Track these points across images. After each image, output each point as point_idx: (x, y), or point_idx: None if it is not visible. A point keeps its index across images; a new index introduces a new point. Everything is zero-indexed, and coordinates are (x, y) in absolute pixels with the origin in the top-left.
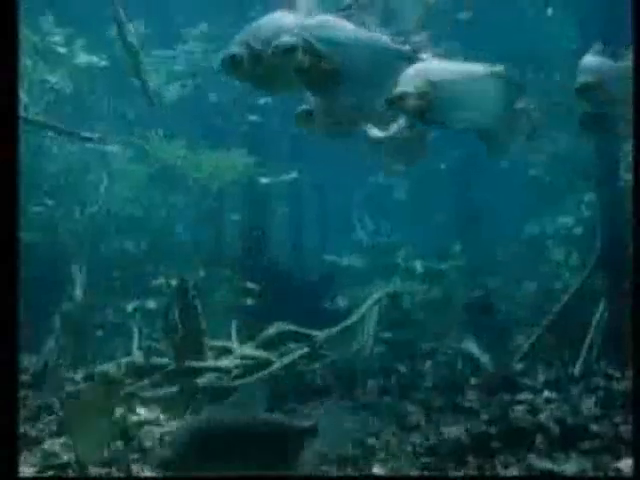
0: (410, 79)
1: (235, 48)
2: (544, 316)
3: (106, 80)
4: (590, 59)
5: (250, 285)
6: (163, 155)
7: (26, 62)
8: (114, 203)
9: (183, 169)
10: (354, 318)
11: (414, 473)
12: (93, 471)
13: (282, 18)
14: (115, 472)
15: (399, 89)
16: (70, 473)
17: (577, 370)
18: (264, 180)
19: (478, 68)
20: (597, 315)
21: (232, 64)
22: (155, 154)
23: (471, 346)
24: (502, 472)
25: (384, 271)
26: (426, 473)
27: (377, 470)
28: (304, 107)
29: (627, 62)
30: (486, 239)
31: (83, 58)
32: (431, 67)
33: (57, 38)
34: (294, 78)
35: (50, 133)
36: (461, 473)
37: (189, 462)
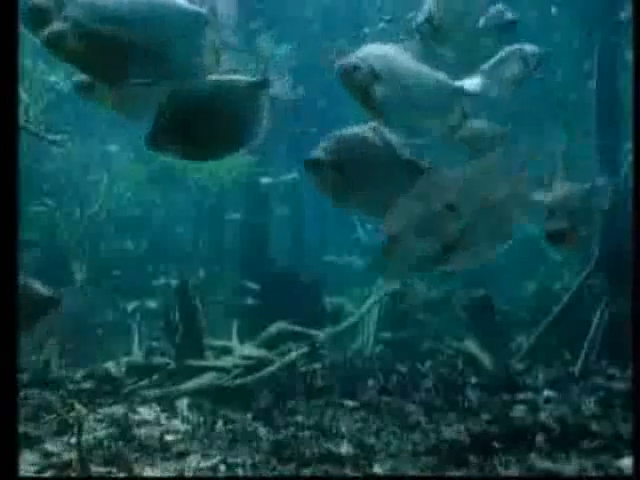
0: None
1: (61, 24)
2: (544, 316)
3: None
4: (558, 194)
5: (250, 285)
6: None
7: (26, 62)
8: (114, 203)
9: (183, 169)
10: (355, 318)
11: (414, 473)
12: (93, 471)
13: None
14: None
15: None
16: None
17: (577, 370)
18: (264, 180)
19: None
20: (597, 315)
21: (56, 41)
22: (155, 154)
23: (471, 346)
24: (502, 472)
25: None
26: (426, 473)
27: (377, 470)
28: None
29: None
30: None
31: None
32: None
33: None
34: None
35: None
36: (461, 473)
37: None
